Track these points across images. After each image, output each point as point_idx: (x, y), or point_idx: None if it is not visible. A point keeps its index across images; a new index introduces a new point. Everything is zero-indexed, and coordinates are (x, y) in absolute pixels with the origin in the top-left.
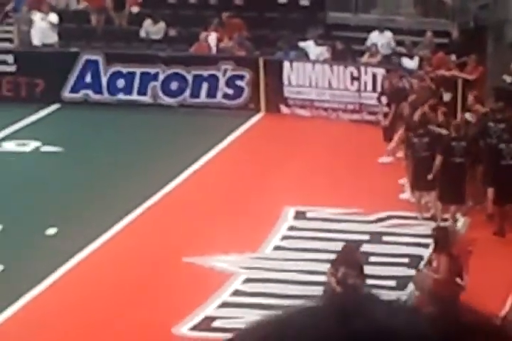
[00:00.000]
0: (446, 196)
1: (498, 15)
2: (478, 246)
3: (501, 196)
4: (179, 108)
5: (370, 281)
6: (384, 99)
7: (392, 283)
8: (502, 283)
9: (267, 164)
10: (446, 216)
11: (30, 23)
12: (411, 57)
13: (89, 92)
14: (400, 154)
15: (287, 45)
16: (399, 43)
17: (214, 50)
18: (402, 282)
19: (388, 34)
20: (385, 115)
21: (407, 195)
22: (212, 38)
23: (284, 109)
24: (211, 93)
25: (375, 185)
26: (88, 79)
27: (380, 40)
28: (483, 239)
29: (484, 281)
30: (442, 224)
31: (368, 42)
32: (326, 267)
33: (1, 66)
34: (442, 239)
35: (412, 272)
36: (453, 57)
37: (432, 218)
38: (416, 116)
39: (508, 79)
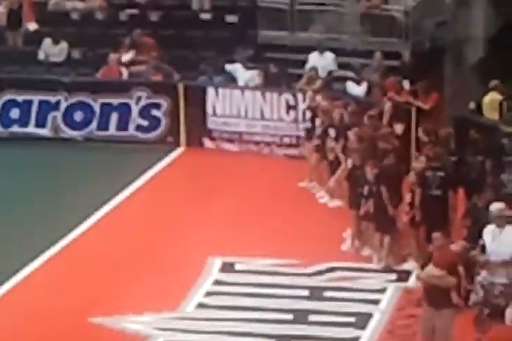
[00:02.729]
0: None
1: (458, 34)
2: None
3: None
4: (84, 142)
5: None
6: (332, 132)
7: None
8: None
9: (189, 207)
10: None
11: None
12: (358, 82)
13: None
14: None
15: (212, 69)
16: (342, 66)
17: (125, 74)
18: None
19: (329, 55)
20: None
21: (348, 246)
22: (126, 59)
23: (207, 143)
24: (122, 125)
25: (315, 232)
26: None
27: (321, 62)
28: None
29: None
30: None
31: (308, 66)
32: (257, 327)
33: None
34: None
35: (359, 333)
36: (406, 82)
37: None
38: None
39: (472, 105)
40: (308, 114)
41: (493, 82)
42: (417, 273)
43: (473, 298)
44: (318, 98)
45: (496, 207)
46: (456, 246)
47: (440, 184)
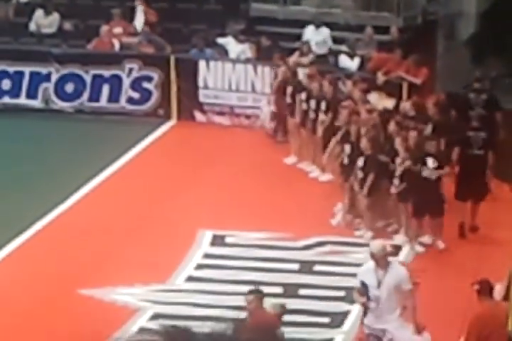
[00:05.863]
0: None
1: (450, 9)
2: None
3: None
4: (75, 114)
5: (300, 318)
6: (323, 105)
7: (325, 320)
8: (454, 318)
9: (179, 180)
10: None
11: None
12: (351, 56)
13: None
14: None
15: (203, 42)
16: (334, 40)
17: (117, 46)
18: (337, 319)
19: (325, 30)
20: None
21: (338, 220)
22: (118, 31)
23: (199, 116)
24: (113, 97)
25: (305, 206)
26: None
27: (316, 37)
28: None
29: (434, 317)
30: None
31: (303, 39)
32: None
33: None
34: None
35: (349, 307)
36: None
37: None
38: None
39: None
40: (289, 90)
41: None
42: None
43: None
44: (309, 71)
45: (377, 244)
46: (273, 309)
47: (482, 144)
